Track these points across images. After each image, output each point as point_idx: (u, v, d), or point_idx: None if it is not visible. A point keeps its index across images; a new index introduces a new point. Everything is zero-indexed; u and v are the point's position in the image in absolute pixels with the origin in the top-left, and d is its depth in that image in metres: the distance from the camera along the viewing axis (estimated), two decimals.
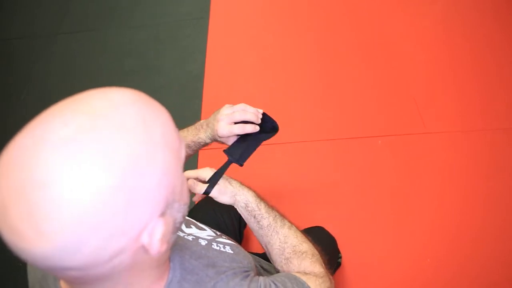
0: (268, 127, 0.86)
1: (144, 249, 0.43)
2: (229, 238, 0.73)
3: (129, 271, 0.44)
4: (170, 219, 0.45)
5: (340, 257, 1.38)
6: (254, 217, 0.79)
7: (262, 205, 0.79)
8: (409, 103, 1.83)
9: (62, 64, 2.37)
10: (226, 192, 0.79)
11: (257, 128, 0.84)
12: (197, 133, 0.91)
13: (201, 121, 0.92)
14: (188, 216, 0.80)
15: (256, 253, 1.02)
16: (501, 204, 1.51)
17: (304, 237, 0.79)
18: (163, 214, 0.43)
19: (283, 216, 0.82)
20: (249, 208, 0.79)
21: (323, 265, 0.75)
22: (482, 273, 1.35)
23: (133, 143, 0.39)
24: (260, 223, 0.78)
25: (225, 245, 0.67)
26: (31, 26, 2.61)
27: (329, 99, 1.90)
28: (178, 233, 0.66)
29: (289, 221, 0.81)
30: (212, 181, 0.78)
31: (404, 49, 2.07)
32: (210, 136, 0.89)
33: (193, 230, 0.70)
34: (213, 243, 0.66)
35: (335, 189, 1.60)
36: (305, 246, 0.77)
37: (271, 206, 0.81)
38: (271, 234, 0.78)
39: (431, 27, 2.18)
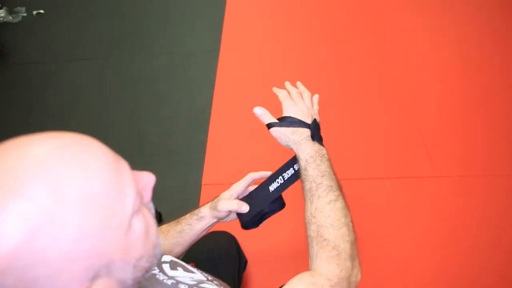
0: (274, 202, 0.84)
1: None
2: (221, 283, 0.68)
3: None
4: (110, 282, 0.40)
5: None
6: (302, 174, 0.75)
7: (313, 166, 0.73)
8: (418, 145, 1.79)
9: (72, 90, 2.38)
10: (293, 139, 0.78)
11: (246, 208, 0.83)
12: (198, 209, 0.89)
13: None
14: (185, 256, 0.75)
15: None
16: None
17: (339, 221, 0.67)
18: (95, 278, 0.38)
19: (333, 188, 0.71)
20: (302, 164, 0.75)
21: (345, 262, 0.63)
22: None
23: (31, 213, 0.34)
24: (304, 183, 0.74)
25: None
26: (44, 51, 2.65)
27: (337, 139, 1.85)
28: (157, 277, 0.61)
29: (337, 197, 0.70)
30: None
31: (415, 90, 2.05)
32: (211, 203, 0.87)
33: (178, 273, 0.65)
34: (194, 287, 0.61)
35: None
36: (331, 232, 0.65)
37: (326, 172, 0.73)
38: (307, 200, 0.72)
39: (442, 70, 2.16)
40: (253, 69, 2.26)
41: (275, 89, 0.85)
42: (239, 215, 0.84)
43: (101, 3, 2.98)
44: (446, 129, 1.86)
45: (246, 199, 0.84)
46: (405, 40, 2.34)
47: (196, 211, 0.87)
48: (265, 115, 0.81)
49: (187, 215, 0.87)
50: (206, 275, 0.69)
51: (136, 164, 1.82)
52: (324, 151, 0.76)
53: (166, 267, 0.66)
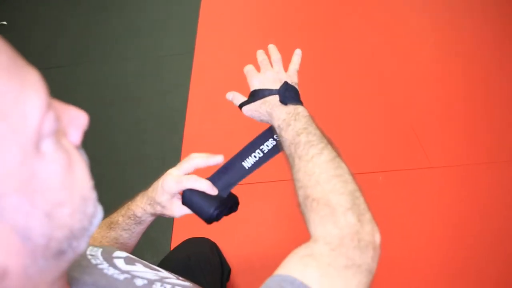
0: (229, 200, 0.67)
1: None
2: (194, 284, 0.52)
3: None
4: None
5: None
6: (281, 143, 0.64)
7: (286, 129, 0.62)
8: (410, 137, 1.71)
9: None
10: (263, 111, 0.69)
11: (215, 191, 0.66)
12: (128, 206, 0.72)
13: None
14: (159, 265, 0.60)
15: None
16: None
17: (327, 174, 0.53)
18: None
19: (314, 142, 0.58)
20: (278, 132, 0.65)
21: (346, 218, 0.48)
22: None
23: None
24: (284, 152, 0.63)
25: (174, 286, 0.46)
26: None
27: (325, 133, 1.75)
28: (105, 271, 0.46)
29: (321, 150, 0.56)
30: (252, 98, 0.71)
31: (403, 82, 1.98)
32: (145, 202, 0.69)
33: (135, 268, 0.50)
34: (156, 283, 0.46)
35: None
36: (318, 189, 0.51)
37: (303, 129, 0.60)
38: (291, 168, 0.59)
39: (431, 60, 2.11)
40: (229, 72, 2.14)
41: (245, 68, 0.77)
42: (201, 201, 0.65)
43: (69, 11, 2.86)
44: (437, 119, 1.78)
45: (212, 179, 0.67)
46: (393, 35, 2.28)
47: (130, 213, 0.71)
48: (236, 98, 0.75)
49: (120, 219, 0.72)
50: (176, 276, 0.54)
51: (108, 170, 1.65)
52: (300, 109, 0.64)
53: (119, 261, 0.50)
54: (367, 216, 0.50)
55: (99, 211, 0.34)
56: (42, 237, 0.28)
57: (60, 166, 0.29)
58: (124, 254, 0.53)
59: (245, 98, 0.74)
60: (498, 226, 1.40)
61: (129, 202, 0.73)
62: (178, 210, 0.68)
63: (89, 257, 0.49)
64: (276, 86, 0.69)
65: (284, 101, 0.66)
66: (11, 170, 0.25)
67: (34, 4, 2.94)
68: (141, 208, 0.70)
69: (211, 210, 0.64)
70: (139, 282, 0.45)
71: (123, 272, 0.47)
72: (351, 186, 0.52)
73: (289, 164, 0.60)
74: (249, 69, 0.75)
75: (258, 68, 0.75)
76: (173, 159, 1.73)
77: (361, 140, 1.71)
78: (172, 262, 0.96)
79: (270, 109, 0.67)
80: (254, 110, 0.70)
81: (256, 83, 0.72)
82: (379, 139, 1.72)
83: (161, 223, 1.44)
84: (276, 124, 0.65)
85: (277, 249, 1.38)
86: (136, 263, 0.51)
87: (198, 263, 0.97)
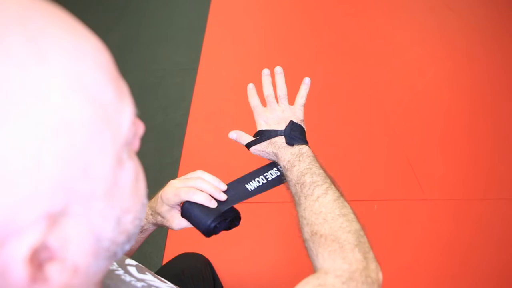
0: (228, 213, 0.66)
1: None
2: None
3: None
4: (80, 228, 0.26)
5: None
6: (287, 183, 0.67)
7: (291, 170, 0.65)
8: (406, 169, 1.73)
9: None
10: (271, 152, 0.71)
11: (214, 204, 0.65)
12: None
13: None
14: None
15: None
16: (502, 275, 1.37)
17: (333, 213, 0.55)
18: (63, 214, 0.25)
19: (319, 182, 0.60)
20: (284, 173, 0.68)
21: (354, 255, 0.50)
22: None
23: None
24: (290, 191, 0.65)
25: None
26: None
27: (323, 160, 1.77)
28: (123, 277, 0.47)
29: (325, 190, 0.59)
30: (260, 138, 0.73)
31: (402, 115, 2.01)
32: (148, 212, 0.70)
33: (147, 277, 0.51)
34: None
35: None
36: (326, 227, 0.54)
37: (308, 169, 0.63)
38: (296, 206, 0.62)
39: (431, 94, 2.15)
40: (231, 89, 2.18)
41: (249, 95, 0.78)
42: (200, 213, 0.65)
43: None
44: (433, 153, 1.81)
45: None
46: (392, 68, 2.34)
47: None
48: (240, 138, 0.76)
49: None
50: None
51: None
52: (304, 150, 0.68)
53: (132, 269, 0.52)
54: (371, 254, 0.53)
55: (146, 202, 0.36)
56: (108, 240, 0.29)
57: (133, 179, 0.31)
58: (134, 262, 0.54)
59: (249, 137, 0.75)
60: (487, 260, 1.42)
61: None
62: (177, 222, 0.68)
63: None
64: (282, 126, 0.72)
65: (289, 142, 0.69)
66: (104, 175, 0.27)
67: None
68: (144, 217, 0.71)
69: (208, 222, 0.64)
70: None
71: (139, 280, 0.48)
72: (356, 225, 0.55)
73: (295, 202, 0.63)
74: (255, 104, 0.76)
75: (262, 99, 0.76)
76: (172, 172, 1.74)
77: (358, 168, 1.74)
78: (165, 276, 0.95)
79: (276, 150, 0.69)
80: (261, 150, 0.72)
81: (262, 123, 0.75)
82: (376, 168, 1.74)
83: (155, 237, 1.44)
84: (282, 165, 0.68)
85: (271, 270, 1.39)
86: (146, 272, 0.53)
87: (191, 278, 0.97)
